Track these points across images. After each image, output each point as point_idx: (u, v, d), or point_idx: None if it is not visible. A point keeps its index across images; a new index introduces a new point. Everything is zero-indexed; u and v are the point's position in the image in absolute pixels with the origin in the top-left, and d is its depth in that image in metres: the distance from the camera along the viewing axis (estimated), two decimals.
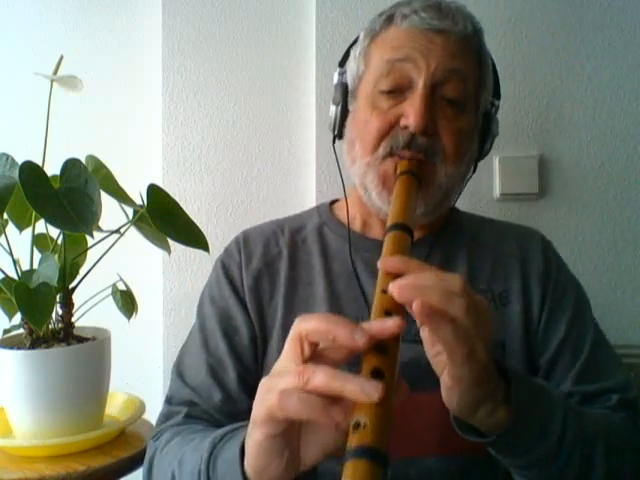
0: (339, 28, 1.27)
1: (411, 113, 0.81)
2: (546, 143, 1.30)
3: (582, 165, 1.30)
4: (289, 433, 0.56)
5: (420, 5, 0.85)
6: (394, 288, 0.55)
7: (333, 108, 0.93)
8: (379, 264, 0.60)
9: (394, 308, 0.56)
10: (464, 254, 0.93)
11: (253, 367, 0.88)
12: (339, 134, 0.94)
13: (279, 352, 0.79)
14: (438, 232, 0.94)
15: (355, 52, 0.91)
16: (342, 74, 0.93)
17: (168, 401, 0.90)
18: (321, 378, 0.51)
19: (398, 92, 0.84)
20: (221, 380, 0.87)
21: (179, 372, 0.91)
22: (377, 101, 0.85)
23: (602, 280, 1.30)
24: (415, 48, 0.83)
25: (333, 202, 1.03)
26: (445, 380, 0.62)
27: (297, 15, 1.31)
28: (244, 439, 0.61)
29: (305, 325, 0.55)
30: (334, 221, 0.97)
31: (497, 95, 0.94)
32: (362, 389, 0.49)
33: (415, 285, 0.56)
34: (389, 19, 0.87)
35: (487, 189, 1.30)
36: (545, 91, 1.29)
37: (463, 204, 1.27)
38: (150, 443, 0.85)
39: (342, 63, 0.95)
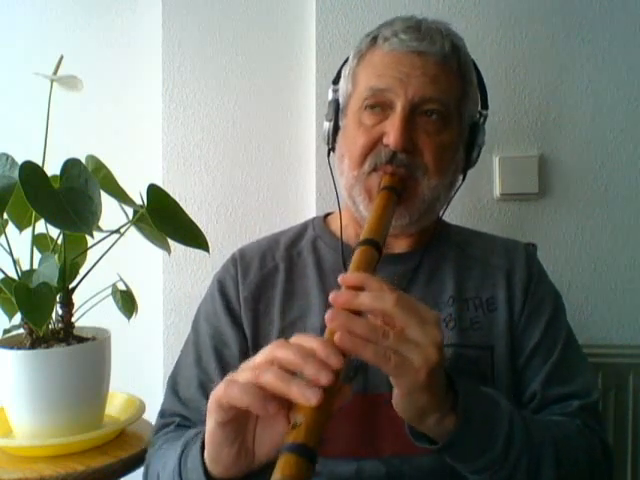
0: (339, 28, 1.27)
1: (391, 133, 0.86)
2: (546, 143, 1.30)
3: (582, 165, 1.30)
4: (238, 423, 0.62)
5: (401, 27, 0.91)
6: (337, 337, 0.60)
7: (326, 124, 0.99)
8: (339, 279, 0.65)
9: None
10: (452, 265, 0.96)
11: None
12: (332, 148, 0.99)
13: None
14: (427, 244, 0.97)
15: (345, 72, 0.97)
16: (335, 91, 0.99)
17: (161, 414, 0.94)
18: (270, 376, 0.58)
19: (381, 109, 0.89)
20: (209, 394, 0.89)
21: (173, 386, 0.95)
22: (362, 118, 0.91)
23: (602, 280, 1.30)
24: (395, 77, 0.88)
25: (327, 215, 1.06)
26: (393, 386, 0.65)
27: (297, 15, 1.31)
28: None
29: (280, 354, 0.60)
30: (327, 234, 1.00)
31: (484, 105, 0.98)
32: (303, 393, 0.56)
33: (353, 336, 0.61)
34: (373, 40, 0.92)
35: (487, 189, 1.30)
36: (545, 91, 1.29)
37: (463, 204, 1.28)
38: (147, 452, 0.90)
39: (336, 81, 1.00)
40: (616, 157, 1.30)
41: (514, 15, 1.28)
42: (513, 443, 0.72)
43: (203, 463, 0.67)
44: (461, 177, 0.99)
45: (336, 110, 0.97)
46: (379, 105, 0.89)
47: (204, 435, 0.67)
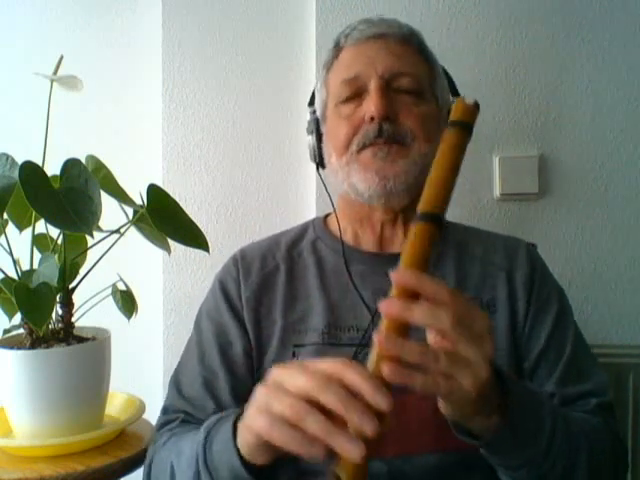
0: (339, 28, 1.26)
1: (371, 104, 0.89)
2: (546, 143, 1.30)
3: (582, 165, 1.30)
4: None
5: (358, 22, 0.97)
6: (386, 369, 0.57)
7: (309, 138, 1.01)
8: (391, 275, 0.60)
9: (400, 330, 0.58)
10: (452, 264, 0.95)
11: (246, 379, 0.92)
12: (321, 162, 1.01)
13: (280, 360, 0.87)
14: None
15: (317, 86, 1.01)
16: (313, 112, 1.01)
17: (164, 411, 0.94)
18: (313, 426, 0.55)
19: (357, 97, 0.92)
20: (214, 391, 0.91)
21: (176, 384, 0.94)
22: (341, 111, 0.93)
23: (602, 280, 1.30)
24: (362, 62, 0.92)
25: (327, 215, 1.06)
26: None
27: (297, 15, 1.31)
28: (235, 420, 0.68)
29: (324, 394, 0.56)
30: (327, 235, 1.00)
31: (455, 93, 1.01)
32: (348, 449, 0.53)
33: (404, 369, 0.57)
34: (337, 46, 0.97)
35: (487, 189, 1.30)
36: (545, 91, 1.29)
37: (463, 204, 1.28)
38: (149, 449, 0.89)
39: (311, 102, 1.03)
40: (616, 157, 1.30)
41: (514, 15, 1.28)
42: (555, 441, 0.71)
43: (236, 447, 0.66)
44: None
45: (316, 124, 1.00)
46: (354, 94, 0.92)
47: (234, 422, 0.67)
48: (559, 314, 0.93)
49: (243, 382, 0.91)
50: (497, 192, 1.30)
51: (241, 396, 0.89)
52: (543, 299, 0.93)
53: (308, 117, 1.02)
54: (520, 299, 0.93)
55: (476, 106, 0.66)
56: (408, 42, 0.94)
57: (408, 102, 0.91)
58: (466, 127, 0.65)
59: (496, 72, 1.28)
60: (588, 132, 1.30)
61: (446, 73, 1.00)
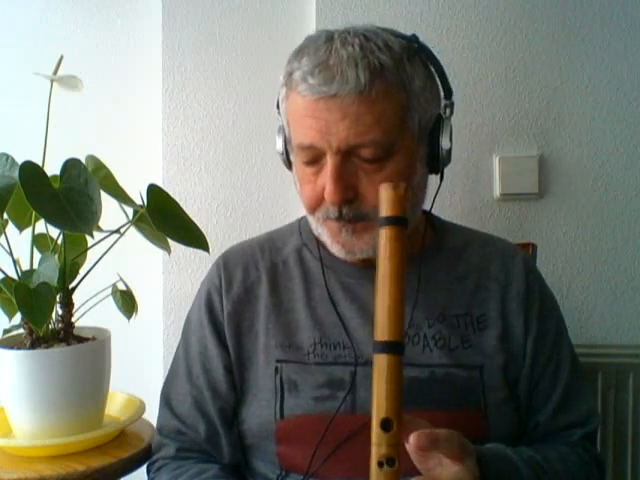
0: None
1: (327, 190, 0.82)
2: (546, 143, 1.30)
3: (582, 165, 1.30)
4: None
5: (309, 67, 0.81)
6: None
7: (282, 157, 0.94)
8: (411, 439, 0.64)
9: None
10: (445, 278, 0.92)
11: (229, 396, 0.92)
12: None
13: (263, 375, 0.89)
14: (418, 257, 0.91)
15: (280, 97, 0.89)
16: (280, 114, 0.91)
17: (159, 432, 0.95)
18: None
19: (317, 161, 0.84)
20: (204, 412, 0.91)
21: (167, 400, 0.95)
22: (304, 170, 0.86)
23: (602, 280, 1.30)
24: (315, 129, 0.81)
25: None
26: None
27: (297, 15, 1.31)
28: None
29: None
30: (314, 241, 0.95)
31: (447, 95, 0.88)
32: None
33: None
34: (289, 75, 0.84)
35: (487, 189, 1.30)
36: (545, 91, 1.29)
37: (463, 204, 1.28)
38: (149, 471, 0.92)
39: (278, 105, 0.90)
40: (616, 157, 1.30)
41: (514, 15, 1.28)
42: None
43: None
44: (440, 176, 0.91)
45: (284, 142, 0.91)
46: (313, 160, 0.84)
47: None
48: (557, 336, 0.93)
49: (226, 400, 0.92)
50: (497, 192, 1.30)
51: (228, 416, 0.91)
52: (542, 321, 0.92)
53: (279, 122, 0.92)
54: (515, 316, 0.91)
55: (405, 191, 0.66)
56: (370, 90, 0.78)
57: (370, 170, 0.82)
58: (400, 221, 0.66)
59: (496, 72, 1.28)
60: (588, 132, 1.30)
61: (441, 74, 0.88)
